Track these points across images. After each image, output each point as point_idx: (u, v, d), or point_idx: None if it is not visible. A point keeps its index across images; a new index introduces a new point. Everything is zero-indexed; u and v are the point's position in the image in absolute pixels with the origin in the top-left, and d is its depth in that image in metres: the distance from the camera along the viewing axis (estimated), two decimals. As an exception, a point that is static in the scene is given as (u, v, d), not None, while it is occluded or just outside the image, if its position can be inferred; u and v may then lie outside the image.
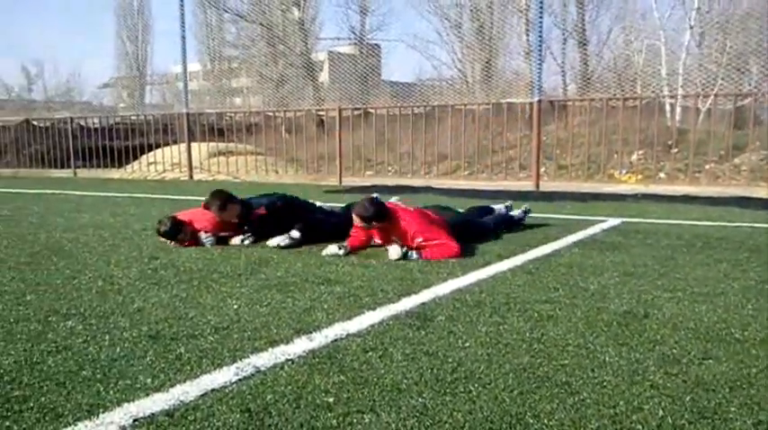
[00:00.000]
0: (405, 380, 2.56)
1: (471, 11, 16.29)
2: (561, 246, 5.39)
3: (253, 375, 2.63)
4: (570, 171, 12.27)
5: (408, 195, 10.01)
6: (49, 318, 3.42)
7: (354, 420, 2.23)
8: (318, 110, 15.78)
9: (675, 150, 12.14)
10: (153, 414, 2.28)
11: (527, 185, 11.31)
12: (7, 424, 2.21)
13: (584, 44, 17.15)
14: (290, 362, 2.76)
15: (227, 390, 2.48)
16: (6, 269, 4.64)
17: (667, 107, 14.47)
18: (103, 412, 2.30)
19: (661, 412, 2.28)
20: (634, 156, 12.76)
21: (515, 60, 15.93)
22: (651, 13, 16.05)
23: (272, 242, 5.35)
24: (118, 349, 2.94)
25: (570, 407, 2.32)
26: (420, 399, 2.39)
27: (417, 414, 2.27)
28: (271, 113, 15.91)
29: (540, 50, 10.74)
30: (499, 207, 6.24)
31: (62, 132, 16.87)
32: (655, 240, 5.64)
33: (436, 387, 2.50)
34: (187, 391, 2.47)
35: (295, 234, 5.40)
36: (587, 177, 11.77)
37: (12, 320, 3.40)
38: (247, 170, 14.35)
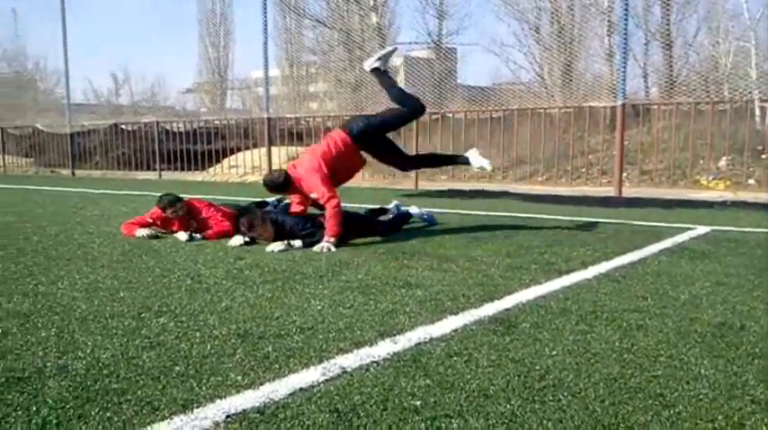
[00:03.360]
0: (491, 387, 2.53)
1: (551, 13, 16.03)
2: (647, 254, 5.23)
3: (339, 376, 2.65)
4: (654, 177, 11.88)
5: (484, 200, 9.93)
6: (142, 315, 3.55)
7: (442, 425, 2.22)
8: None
9: (765, 156, 11.61)
10: (245, 410, 2.33)
11: (608, 191, 11.04)
12: (108, 415, 2.30)
13: (669, 46, 16.61)
14: (375, 364, 2.78)
15: (314, 390, 2.51)
16: (100, 267, 4.84)
17: (757, 111, 13.86)
18: (197, 407, 2.36)
19: (764, 428, 2.18)
20: (722, 162, 12.27)
21: (596, 63, 15.58)
22: (741, 14, 15.41)
23: (270, 248, 5.45)
24: (208, 346, 3.01)
25: (665, 420, 2.24)
26: (508, 406, 2.36)
27: (506, 421, 2.24)
28: (347, 117, 16.08)
29: (625, 52, 10.47)
30: (391, 207, 6.76)
31: (147, 136, 17.52)
32: (747, 249, 5.41)
33: (524, 394, 2.46)
34: (276, 389, 2.51)
35: (297, 243, 5.52)
36: (672, 183, 11.39)
37: (107, 316, 3.54)
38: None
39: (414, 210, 6.80)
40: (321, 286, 4.21)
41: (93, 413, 2.31)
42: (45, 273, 4.59)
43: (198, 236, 5.93)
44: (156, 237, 6.03)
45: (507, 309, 3.62)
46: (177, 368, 2.75)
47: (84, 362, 2.81)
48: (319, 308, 3.68)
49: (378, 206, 6.88)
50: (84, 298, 3.92)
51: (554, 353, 2.91)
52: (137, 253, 5.40)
